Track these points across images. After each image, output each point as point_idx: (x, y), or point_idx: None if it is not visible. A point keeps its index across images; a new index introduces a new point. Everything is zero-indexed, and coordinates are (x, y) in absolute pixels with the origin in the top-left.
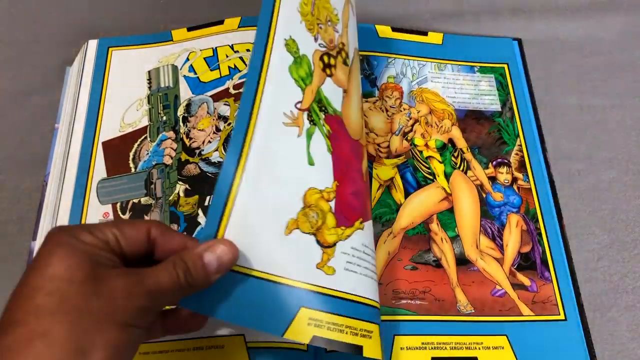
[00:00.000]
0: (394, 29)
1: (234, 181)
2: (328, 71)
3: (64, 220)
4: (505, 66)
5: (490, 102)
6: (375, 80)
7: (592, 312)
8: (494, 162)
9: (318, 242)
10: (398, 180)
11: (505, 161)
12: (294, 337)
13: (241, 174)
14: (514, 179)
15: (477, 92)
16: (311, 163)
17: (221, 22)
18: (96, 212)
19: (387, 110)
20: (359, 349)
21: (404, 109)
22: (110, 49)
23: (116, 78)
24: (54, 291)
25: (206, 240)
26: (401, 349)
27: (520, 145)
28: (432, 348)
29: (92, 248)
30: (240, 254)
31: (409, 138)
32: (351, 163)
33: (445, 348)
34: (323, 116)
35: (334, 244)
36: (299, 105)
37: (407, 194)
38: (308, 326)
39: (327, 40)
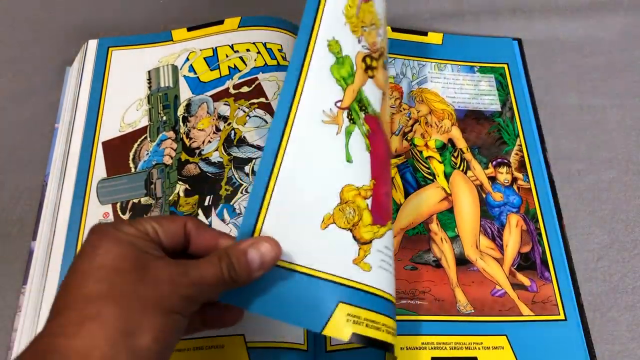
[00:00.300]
0: (394, 29)
1: (272, 175)
2: (370, 73)
3: (64, 220)
4: (505, 66)
5: (490, 102)
6: None
7: (592, 312)
8: (494, 162)
9: (354, 238)
10: (398, 180)
11: (505, 161)
12: (332, 333)
13: (279, 168)
14: (514, 179)
15: (477, 92)
16: (349, 160)
17: (221, 22)
18: (96, 212)
19: None
20: (392, 347)
21: (404, 109)
22: (110, 49)
23: (116, 78)
24: (102, 278)
25: (244, 233)
26: (401, 349)
27: (520, 145)
28: (432, 348)
29: (136, 239)
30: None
31: (408, 138)
32: (386, 163)
33: (445, 348)
34: (363, 115)
35: (370, 241)
36: (339, 104)
37: (407, 194)
38: (347, 322)
39: (370, 42)
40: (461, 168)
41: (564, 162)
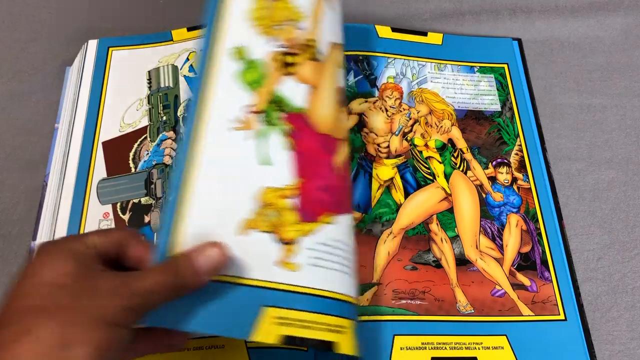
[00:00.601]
0: (394, 29)
1: (185, 188)
2: (289, 69)
3: (64, 220)
4: (505, 66)
5: (490, 102)
6: (375, 81)
7: (592, 312)
8: (494, 162)
9: (278, 239)
10: (398, 181)
11: (505, 161)
12: (261, 338)
13: (191, 180)
14: (514, 179)
15: (477, 92)
16: (266, 163)
17: None
18: (96, 212)
19: (386, 110)
20: (330, 345)
21: (404, 109)
22: (110, 49)
23: (116, 78)
24: (42, 295)
25: (161, 250)
26: (401, 349)
27: (520, 145)
28: (432, 348)
29: (80, 254)
30: None
31: (408, 138)
32: (319, 158)
33: (445, 348)
34: (282, 115)
35: (296, 240)
36: (253, 108)
37: (407, 194)
38: (275, 326)
39: (286, 39)
40: (461, 168)
41: (564, 162)
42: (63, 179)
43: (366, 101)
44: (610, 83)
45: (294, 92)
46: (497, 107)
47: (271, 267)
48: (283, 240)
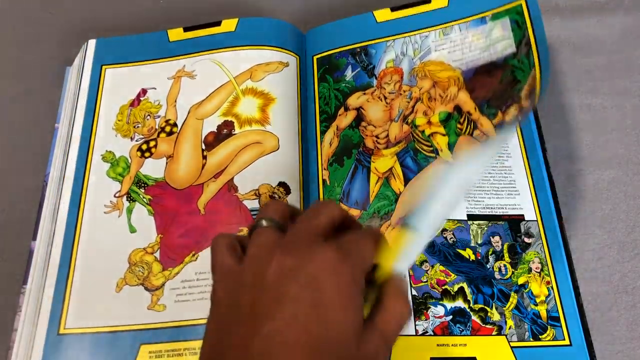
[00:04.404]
0: (394, 9)
1: (71, 265)
2: (147, 154)
3: (63, 220)
4: (523, 2)
5: (503, 47)
6: (373, 70)
7: (592, 312)
8: (503, 108)
9: (147, 288)
10: (397, 169)
11: (514, 99)
12: None
13: (75, 258)
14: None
15: (489, 42)
16: (133, 231)
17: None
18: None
19: (385, 98)
20: None
21: (404, 92)
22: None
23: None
24: None
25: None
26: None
27: (535, 71)
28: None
29: None
30: (84, 317)
31: (409, 121)
32: (178, 211)
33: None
34: (142, 191)
35: (162, 286)
36: (118, 194)
37: (406, 181)
38: (150, 359)
39: (145, 132)
40: (467, 132)
41: (564, 162)
42: (63, 179)
43: (364, 93)
44: (610, 83)
45: (153, 168)
46: (512, 49)
47: (144, 312)
48: (151, 288)
